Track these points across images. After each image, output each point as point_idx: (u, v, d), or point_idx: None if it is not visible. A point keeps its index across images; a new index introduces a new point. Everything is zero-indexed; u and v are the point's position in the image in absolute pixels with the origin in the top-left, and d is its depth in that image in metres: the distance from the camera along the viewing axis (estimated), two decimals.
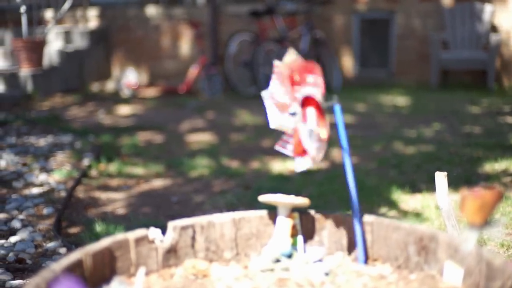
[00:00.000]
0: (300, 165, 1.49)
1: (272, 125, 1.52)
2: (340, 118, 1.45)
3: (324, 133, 1.42)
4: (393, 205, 4.23)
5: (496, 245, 3.27)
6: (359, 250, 1.49)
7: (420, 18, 9.98)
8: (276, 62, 1.49)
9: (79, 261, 1.33)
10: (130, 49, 10.32)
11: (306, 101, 1.45)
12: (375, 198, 4.36)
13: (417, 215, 3.99)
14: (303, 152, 1.48)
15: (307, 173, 5.10)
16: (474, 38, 9.51)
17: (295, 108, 1.45)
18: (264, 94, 1.50)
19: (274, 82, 1.49)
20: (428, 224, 3.74)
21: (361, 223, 1.51)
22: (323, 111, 1.44)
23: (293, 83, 1.46)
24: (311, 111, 1.44)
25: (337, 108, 1.45)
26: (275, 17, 9.48)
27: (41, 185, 4.81)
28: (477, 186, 1.14)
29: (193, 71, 9.48)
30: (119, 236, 1.44)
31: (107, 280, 1.40)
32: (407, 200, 4.35)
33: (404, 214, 4.05)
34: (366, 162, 5.41)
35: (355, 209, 1.49)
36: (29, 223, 3.96)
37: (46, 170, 5.20)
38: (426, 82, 9.73)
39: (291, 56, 1.47)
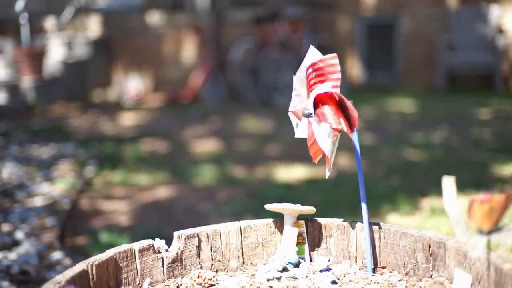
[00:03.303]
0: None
1: (296, 135, 1.50)
2: (357, 145, 1.44)
3: (344, 125, 1.40)
4: (400, 211, 4.21)
5: (506, 251, 3.25)
6: (367, 258, 1.48)
7: (426, 21, 9.98)
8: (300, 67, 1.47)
9: (83, 272, 1.32)
10: (132, 56, 10.33)
11: (323, 99, 1.43)
12: (382, 204, 4.34)
13: (425, 221, 3.97)
14: (319, 153, 1.46)
15: (312, 181, 5.09)
16: (481, 41, 9.50)
17: (309, 108, 1.43)
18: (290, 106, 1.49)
19: (294, 88, 1.47)
20: (437, 230, 3.72)
21: (370, 231, 1.50)
22: (344, 102, 1.42)
23: (310, 84, 1.44)
24: (327, 109, 1.42)
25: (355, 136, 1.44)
26: (278, 23, 9.48)
27: (44, 195, 4.80)
28: (487, 191, 1.12)
29: (196, 78, 9.48)
30: (124, 246, 1.43)
31: None
32: (415, 206, 4.33)
33: (412, 220, 4.02)
34: (374, 168, 5.39)
35: (364, 217, 1.48)
36: (32, 234, 3.95)
37: (49, 180, 5.19)
38: (433, 86, 9.72)
39: (313, 55, 1.46)
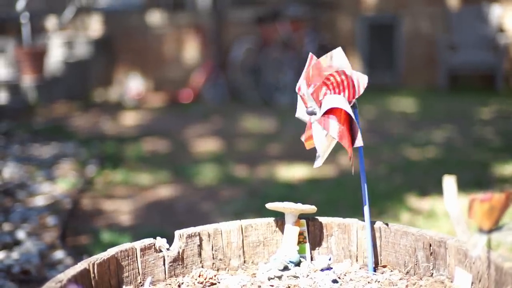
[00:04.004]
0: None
1: (296, 115, 1.50)
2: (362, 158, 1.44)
3: (346, 144, 1.41)
4: (402, 210, 4.21)
5: (506, 250, 3.25)
6: (368, 257, 1.48)
7: (427, 21, 9.97)
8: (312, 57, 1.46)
9: (85, 271, 1.32)
10: (133, 56, 10.33)
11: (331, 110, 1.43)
12: (384, 203, 4.34)
13: (426, 220, 3.97)
14: (311, 143, 1.47)
15: (314, 180, 5.09)
16: (482, 40, 9.49)
17: (314, 107, 1.43)
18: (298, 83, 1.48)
19: (303, 75, 1.46)
20: (437, 229, 3.72)
21: (371, 230, 1.50)
22: (349, 120, 1.42)
23: (320, 84, 1.44)
24: (333, 123, 1.41)
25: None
26: (280, 22, 9.47)
27: (45, 194, 4.80)
28: (488, 191, 1.13)
29: (197, 77, 9.48)
30: (125, 245, 1.44)
31: None
32: (416, 205, 4.33)
33: (413, 219, 4.03)
34: (375, 167, 5.39)
35: (366, 215, 1.48)
36: (34, 234, 3.95)
37: (50, 179, 5.20)
38: (434, 86, 9.72)
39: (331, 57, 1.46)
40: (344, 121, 1.41)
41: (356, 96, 1.44)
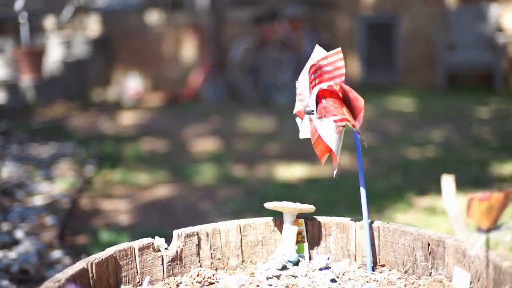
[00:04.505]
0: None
1: (301, 136, 1.49)
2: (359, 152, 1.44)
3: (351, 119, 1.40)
4: (400, 209, 4.21)
5: (505, 249, 3.25)
6: (367, 256, 1.48)
7: (425, 20, 9.98)
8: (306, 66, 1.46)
9: (83, 271, 1.32)
10: (132, 55, 10.32)
11: (325, 96, 1.43)
12: (382, 203, 4.34)
13: (425, 219, 3.97)
14: (325, 151, 1.46)
15: (312, 180, 5.09)
16: (481, 39, 9.49)
17: (311, 105, 1.43)
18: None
19: (298, 93, 1.47)
20: (436, 229, 3.72)
21: (369, 229, 1.50)
22: (347, 93, 1.42)
23: (312, 83, 1.44)
24: (329, 102, 1.41)
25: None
26: (278, 22, 9.47)
27: (43, 194, 4.80)
28: (487, 190, 1.12)
29: (196, 77, 9.48)
30: (124, 244, 1.43)
31: None
32: (414, 204, 4.33)
33: (412, 218, 4.03)
34: (374, 166, 5.39)
35: (364, 215, 1.48)
36: (32, 233, 3.95)
37: (48, 179, 5.19)
38: (433, 85, 9.72)
39: (317, 54, 1.46)
40: (340, 103, 1.41)
41: (343, 71, 1.43)
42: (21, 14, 8.86)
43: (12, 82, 8.59)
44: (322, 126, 1.41)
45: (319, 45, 1.47)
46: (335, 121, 1.40)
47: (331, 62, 1.44)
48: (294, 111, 1.49)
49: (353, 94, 1.41)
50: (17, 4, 8.86)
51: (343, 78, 1.44)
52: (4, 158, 5.85)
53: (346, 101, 1.42)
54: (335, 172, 1.46)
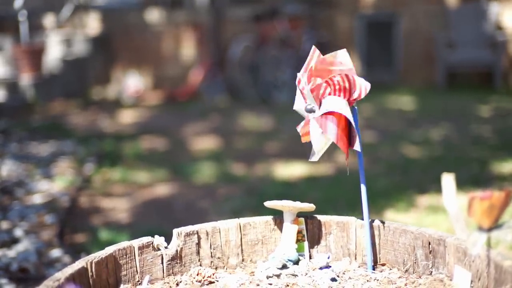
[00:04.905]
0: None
1: (294, 107, 1.49)
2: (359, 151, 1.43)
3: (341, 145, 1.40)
4: (400, 208, 4.21)
5: (506, 248, 3.25)
6: (367, 255, 1.47)
7: (425, 19, 9.97)
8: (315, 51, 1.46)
9: (83, 270, 1.32)
10: (131, 54, 10.31)
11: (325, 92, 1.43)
12: (382, 201, 4.34)
13: (425, 218, 3.97)
14: (307, 134, 1.46)
15: (312, 178, 5.09)
16: (480, 38, 9.48)
17: (313, 105, 1.42)
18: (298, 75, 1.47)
19: (305, 68, 1.46)
20: (436, 227, 3.71)
21: (370, 228, 1.49)
22: (348, 123, 1.42)
23: (322, 83, 1.43)
24: (331, 125, 1.41)
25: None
26: (278, 20, 9.46)
27: (43, 193, 4.80)
28: (487, 188, 1.12)
29: (195, 75, 9.47)
30: (123, 243, 1.43)
31: None
32: (415, 203, 4.33)
33: (412, 217, 4.02)
34: (373, 165, 5.39)
35: (365, 214, 1.47)
36: (31, 232, 3.95)
37: (48, 177, 5.19)
38: (433, 83, 9.71)
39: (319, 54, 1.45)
40: (342, 123, 1.41)
41: (357, 99, 1.43)
42: (20, 12, 8.85)
43: (12, 80, 8.58)
44: (315, 128, 1.41)
45: (319, 43, 1.46)
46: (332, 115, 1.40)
47: (337, 63, 1.44)
48: (294, 107, 1.49)
49: (353, 129, 1.42)
50: (17, 2, 8.85)
51: (354, 102, 1.44)
52: (4, 156, 5.84)
53: (347, 122, 1.42)
54: (312, 158, 1.46)
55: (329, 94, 1.43)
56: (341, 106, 1.40)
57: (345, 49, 1.45)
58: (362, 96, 1.42)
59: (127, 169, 5.51)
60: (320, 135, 1.42)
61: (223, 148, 6.34)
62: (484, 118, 7.41)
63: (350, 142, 1.43)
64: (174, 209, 4.54)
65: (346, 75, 1.42)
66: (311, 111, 1.42)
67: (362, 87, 1.42)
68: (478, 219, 1.12)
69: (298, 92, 1.47)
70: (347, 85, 1.42)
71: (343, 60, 1.44)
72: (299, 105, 1.47)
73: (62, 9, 9.92)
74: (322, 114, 1.40)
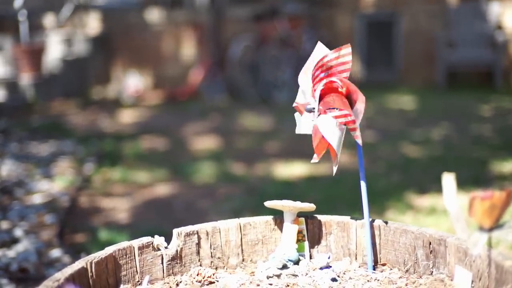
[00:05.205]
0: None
1: (297, 131, 1.48)
2: (360, 155, 1.43)
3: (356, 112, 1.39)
4: (401, 208, 4.20)
5: (506, 248, 3.24)
6: (367, 255, 1.47)
7: (425, 18, 9.97)
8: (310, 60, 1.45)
9: (83, 270, 1.31)
10: (131, 53, 10.31)
11: (327, 90, 1.42)
12: (382, 201, 4.33)
13: (425, 218, 3.97)
14: (323, 149, 1.44)
15: (312, 178, 5.08)
16: (481, 37, 9.48)
17: (312, 104, 1.42)
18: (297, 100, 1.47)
19: (307, 69, 1.45)
20: (437, 227, 3.71)
21: (370, 228, 1.49)
22: (350, 87, 1.41)
23: (315, 80, 1.43)
24: (331, 98, 1.40)
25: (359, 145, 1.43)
26: (278, 20, 9.46)
27: (43, 192, 4.79)
28: (487, 188, 1.12)
29: (195, 75, 9.47)
30: (123, 243, 1.43)
31: None
32: (415, 203, 4.33)
33: (412, 217, 4.02)
34: (374, 164, 5.38)
35: (365, 213, 1.47)
36: (31, 232, 3.94)
37: (48, 177, 5.19)
38: (433, 83, 9.71)
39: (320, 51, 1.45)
40: (342, 99, 1.41)
41: (348, 66, 1.43)
42: (20, 12, 8.85)
43: (12, 80, 8.58)
44: (324, 124, 1.40)
45: (320, 42, 1.46)
46: (334, 117, 1.39)
47: (337, 57, 1.43)
48: (294, 104, 1.48)
49: (357, 95, 1.41)
50: (17, 1, 8.85)
51: (347, 73, 1.44)
52: (4, 156, 5.84)
53: (348, 96, 1.41)
54: (335, 170, 1.45)
55: (327, 95, 1.42)
56: (329, 129, 1.39)
57: (349, 46, 1.45)
58: (358, 122, 1.40)
59: (127, 169, 5.51)
60: (333, 129, 1.40)
61: (223, 148, 6.34)
62: (484, 117, 7.40)
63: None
64: (174, 209, 4.53)
65: (344, 81, 1.41)
66: (311, 110, 1.42)
67: (359, 97, 1.41)
68: (479, 219, 1.11)
69: (299, 91, 1.47)
70: (344, 90, 1.42)
71: (344, 57, 1.44)
72: (305, 127, 1.47)
73: (62, 9, 9.92)
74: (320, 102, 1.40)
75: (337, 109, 1.39)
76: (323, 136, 1.40)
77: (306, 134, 1.47)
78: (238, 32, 9.81)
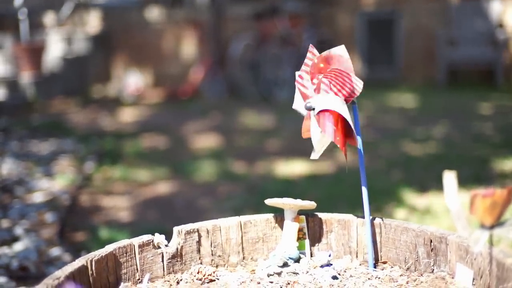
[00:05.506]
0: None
1: (293, 106, 1.48)
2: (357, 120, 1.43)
3: (338, 141, 1.39)
4: (402, 206, 4.20)
5: (508, 246, 3.24)
6: (368, 253, 1.47)
7: (426, 16, 9.96)
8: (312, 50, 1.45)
9: (83, 268, 1.31)
10: (132, 52, 10.31)
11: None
12: (383, 199, 4.33)
13: (427, 216, 3.96)
14: (308, 130, 1.45)
15: (313, 176, 5.08)
16: (482, 35, 9.47)
17: (312, 102, 1.41)
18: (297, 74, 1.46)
19: (303, 68, 1.45)
20: (437, 225, 3.71)
21: (371, 226, 1.49)
22: (344, 123, 1.41)
23: (318, 77, 1.42)
24: (328, 123, 1.40)
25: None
26: (278, 18, 9.45)
27: (43, 191, 4.79)
28: (489, 186, 1.11)
29: (196, 73, 9.47)
30: (123, 241, 1.42)
31: (112, 286, 1.38)
32: (416, 201, 4.32)
33: (413, 215, 4.02)
34: (374, 163, 5.38)
35: (366, 211, 1.47)
36: (32, 230, 3.94)
37: (48, 175, 5.19)
38: (434, 81, 9.70)
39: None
40: (339, 120, 1.40)
41: (353, 96, 1.42)
42: (20, 10, 8.85)
43: (12, 79, 8.58)
44: (315, 125, 1.40)
45: (320, 41, 1.45)
46: (335, 93, 1.39)
47: (343, 72, 1.43)
48: (293, 106, 1.48)
49: (352, 128, 1.41)
50: (17, 0, 8.85)
51: (352, 96, 1.43)
52: (4, 154, 5.84)
53: (344, 119, 1.41)
54: (314, 155, 1.45)
55: (326, 91, 1.42)
56: (336, 104, 1.39)
57: (343, 45, 1.44)
58: (357, 93, 1.41)
59: (128, 167, 5.50)
60: (319, 133, 1.41)
61: (224, 146, 6.33)
62: (485, 115, 7.40)
63: (349, 139, 1.42)
64: (175, 207, 4.53)
65: (340, 71, 1.41)
66: (310, 108, 1.42)
67: (356, 86, 1.41)
68: (480, 216, 1.11)
69: (297, 90, 1.46)
70: (342, 81, 1.41)
71: (340, 56, 1.43)
72: (298, 103, 1.47)
73: (62, 7, 9.92)
74: (319, 112, 1.39)
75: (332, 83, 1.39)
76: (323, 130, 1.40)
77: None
78: (238, 30, 9.80)
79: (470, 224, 1.11)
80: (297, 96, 1.47)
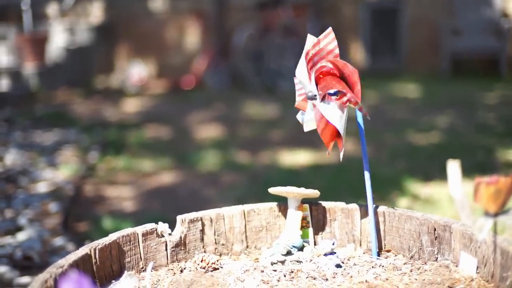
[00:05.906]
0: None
1: (305, 129, 1.47)
2: (360, 121, 1.42)
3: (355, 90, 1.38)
4: (405, 195, 4.20)
5: None
6: (372, 241, 1.46)
7: (430, 6, 9.93)
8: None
9: (86, 256, 1.31)
10: (135, 42, 10.30)
11: (324, 74, 1.42)
12: (387, 188, 4.33)
13: (430, 205, 3.96)
14: (331, 138, 1.43)
15: (316, 166, 5.08)
16: (486, 25, 9.44)
17: (313, 90, 1.41)
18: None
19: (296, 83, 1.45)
20: (442, 214, 3.70)
21: (375, 214, 1.48)
22: (342, 68, 1.40)
23: (310, 68, 1.42)
24: (329, 79, 1.39)
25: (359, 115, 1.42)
26: (282, 8, 9.43)
27: (47, 181, 4.80)
28: (492, 174, 1.11)
29: (199, 64, 9.46)
30: (127, 230, 1.42)
31: (116, 275, 1.38)
32: (420, 190, 4.32)
33: (417, 203, 4.01)
34: (378, 152, 5.37)
35: (369, 200, 1.46)
36: (36, 220, 3.95)
37: (52, 166, 5.19)
38: (437, 71, 9.68)
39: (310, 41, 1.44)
40: (339, 80, 1.40)
41: (334, 44, 1.42)
42: (23, 1, 8.84)
43: (15, 69, 8.58)
44: (327, 108, 1.39)
45: (323, 31, 1.45)
46: (337, 99, 1.38)
47: (325, 43, 1.42)
48: (296, 105, 1.48)
49: (348, 69, 1.39)
50: None
51: (337, 51, 1.43)
52: (8, 145, 5.85)
53: (343, 78, 1.40)
54: (341, 156, 1.44)
55: (322, 78, 1.41)
56: (335, 115, 1.38)
57: (330, 29, 1.43)
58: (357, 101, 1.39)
59: (131, 157, 5.51)
60: (336, 112, 1.39)
61: (227, 136, 6.33)
62: (489, 105, 7.38)
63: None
64: (178, 197, 4.53)
65: (333, 62, 1.41)
66: (312, 97, 1.41)
67: (355, 78, 1.40)
68: (484, 204, 1.11)
69: (298, 86, 1.46)
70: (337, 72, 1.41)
71: (329, 44, 1.43)
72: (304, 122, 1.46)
73: None
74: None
75: (336, 91, 1.39)
76: (328, 121, 1.39)
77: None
78: (242, 20, 9.78)
79: (474, 212, 1.11)
80: (306, 116, 1.46)
